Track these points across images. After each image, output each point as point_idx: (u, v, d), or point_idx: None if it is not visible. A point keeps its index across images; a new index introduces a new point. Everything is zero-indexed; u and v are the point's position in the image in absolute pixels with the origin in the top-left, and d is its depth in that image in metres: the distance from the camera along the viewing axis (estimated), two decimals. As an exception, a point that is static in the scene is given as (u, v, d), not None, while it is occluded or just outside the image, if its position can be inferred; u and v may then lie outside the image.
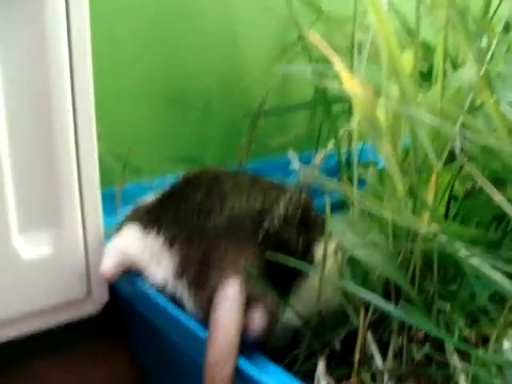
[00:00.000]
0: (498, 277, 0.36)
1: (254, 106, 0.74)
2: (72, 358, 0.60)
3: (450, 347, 0.42)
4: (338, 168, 0.67)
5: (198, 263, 0.42)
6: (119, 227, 0.49)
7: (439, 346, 0.42)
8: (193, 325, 0.42)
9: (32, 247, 0.46)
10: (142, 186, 0.69)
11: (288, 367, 0.43)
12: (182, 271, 0.43)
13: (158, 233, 0.45)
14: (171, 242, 0.44)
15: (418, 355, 0.43)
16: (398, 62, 0.41)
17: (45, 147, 0.45)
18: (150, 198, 0.52)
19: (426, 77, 0.48)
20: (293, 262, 0.42)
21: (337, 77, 0.39)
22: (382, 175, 0.46)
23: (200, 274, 0.41)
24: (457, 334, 0.41)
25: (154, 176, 0.71)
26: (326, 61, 0.40)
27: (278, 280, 0.44)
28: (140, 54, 0.68)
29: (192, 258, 0.42)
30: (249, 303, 0.39)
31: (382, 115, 0.46)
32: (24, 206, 0.45)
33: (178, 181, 0.52)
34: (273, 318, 0.40)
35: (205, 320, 0.40)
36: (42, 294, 0.47)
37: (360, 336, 0.44)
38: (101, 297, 0.51)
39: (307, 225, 0.48)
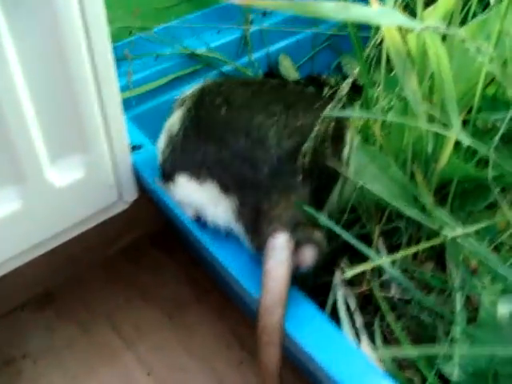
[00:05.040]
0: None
1: None
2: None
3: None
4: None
5: (252, 211, 0.45)
6: (167, 174, 0.50)
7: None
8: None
9: (64, 175, 0.47)
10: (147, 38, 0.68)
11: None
12: (239, 216, 0.46)
13: (211, 180, 0.47)
14: (225, 189, 0.46)
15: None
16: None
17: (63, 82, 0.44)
18: (175, 117, 0.51)
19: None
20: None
21: None
22: (405, 107, 0.45)
23: (254, 222, 0.45)
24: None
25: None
26: None
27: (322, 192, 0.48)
28: None
29: (246, 206, 0.45)
30: (300, 243, 0.42)
31: (413, 46, 0.44)
32: (50, 139, 0.45)
33: (202, 93, 0.51)
34: (321, 251, 0.44)
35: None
36: (81, 209, 0.51)
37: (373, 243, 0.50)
38: (131, 196, 0.54)
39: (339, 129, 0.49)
